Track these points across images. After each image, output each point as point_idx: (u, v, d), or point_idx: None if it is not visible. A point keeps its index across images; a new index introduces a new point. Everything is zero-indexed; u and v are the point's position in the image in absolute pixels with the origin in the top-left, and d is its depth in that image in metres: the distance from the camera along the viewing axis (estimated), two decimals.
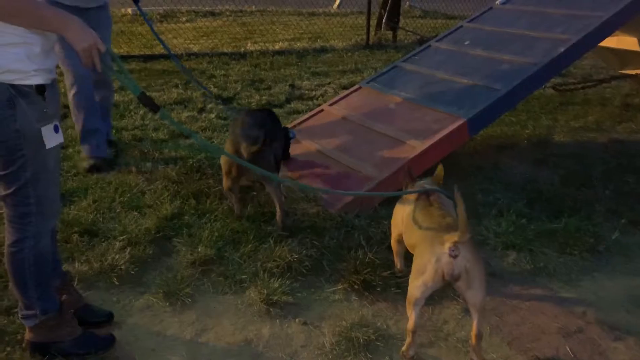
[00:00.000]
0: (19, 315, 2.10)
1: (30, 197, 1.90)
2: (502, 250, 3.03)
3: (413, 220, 2.41)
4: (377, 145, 3.65)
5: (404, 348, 2.28)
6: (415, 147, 3.49)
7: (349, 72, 6.88)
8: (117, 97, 5.22)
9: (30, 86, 1.82)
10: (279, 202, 3.07)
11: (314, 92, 5.92)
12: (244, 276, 2.70)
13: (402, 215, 2.57)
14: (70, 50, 3.34)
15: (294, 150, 3.80)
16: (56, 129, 1.91)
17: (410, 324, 2.22)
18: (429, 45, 4.77)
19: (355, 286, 2.66)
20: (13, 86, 1.78)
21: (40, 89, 1.83)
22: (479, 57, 4.24)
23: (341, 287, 2.68)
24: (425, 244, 2.22)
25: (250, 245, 2.91)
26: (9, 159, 1.84)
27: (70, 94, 3.72)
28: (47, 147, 1.87)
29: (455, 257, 2.09)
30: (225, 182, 3.13)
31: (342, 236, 3.01)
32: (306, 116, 4.29)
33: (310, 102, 5.57)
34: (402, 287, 2.64)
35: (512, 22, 4.60)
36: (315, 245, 2.95)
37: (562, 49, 3.80)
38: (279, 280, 2.66)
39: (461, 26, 4.92)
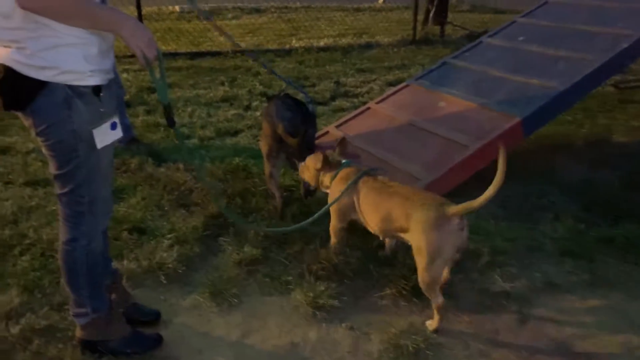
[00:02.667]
0: (71, 313, 2.12)
1: (84, 197, 1.91)
2: (559, 257, 2.89)
3: (388, 204, 2.44)
4: (426, 145, 3.55)
5: (435, 324, 2.37)
6: (468, 147, 3.37)
7: (395, 69, 6.77)
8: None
9: (87, 87, 1.82)
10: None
11: (359, 89, 5.84)
12: (289, 277, 2.67)
13: (355, 200, 2.60)
14: None
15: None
16: (113, 126, 1.92)
17: (441, 300, 2.33)
18: (481, 41, 4.62)
19: (404, 292, 2.58)
20: (70, 87, 1.78)
21: (97, 89, 1.84)
22: (534, 53, 4.07)
23: (389, 292, 2.61)
24: (427, 223, 2.24)
25: (296, 246, 2.88)
26: (64, 159, 1.86)
27: None
28: (99, 146, 1.87)
29: (462, 229, 2.23)
30: (267, 168, 3.14)
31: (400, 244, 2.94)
32: (352, 114, 4.22)
33: (355, 100, 5.50)
34: (452, 295, 2.56)
35: (568, 17, 4.40)
36: (362, 248, 2.88)
37: (624, 45, 3.60)
38: (325, 283, 2.61)
39: (514, 21, 4.74)
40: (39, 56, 1.71)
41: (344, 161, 2.79)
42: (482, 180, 2.63)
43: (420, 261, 2.31)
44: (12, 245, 2.83)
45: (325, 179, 2.80)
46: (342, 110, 5.15)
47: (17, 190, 3.43)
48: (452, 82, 4.12)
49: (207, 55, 7.12)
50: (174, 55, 7.03)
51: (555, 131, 4.53)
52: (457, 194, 3.11)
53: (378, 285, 2.68)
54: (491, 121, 3.52)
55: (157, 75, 1.96)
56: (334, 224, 2.75)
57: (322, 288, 2.57)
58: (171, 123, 2.06)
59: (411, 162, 3.42)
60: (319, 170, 2.81)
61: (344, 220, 2.73)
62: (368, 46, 8.02)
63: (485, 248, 2.92)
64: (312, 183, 2.91)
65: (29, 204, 3.24)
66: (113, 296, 2.24)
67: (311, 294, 2.53)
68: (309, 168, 2.87)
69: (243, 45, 7.78)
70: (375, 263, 2.80)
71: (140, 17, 7.01)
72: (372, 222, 2.57)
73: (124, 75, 5.89)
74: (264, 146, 3.13)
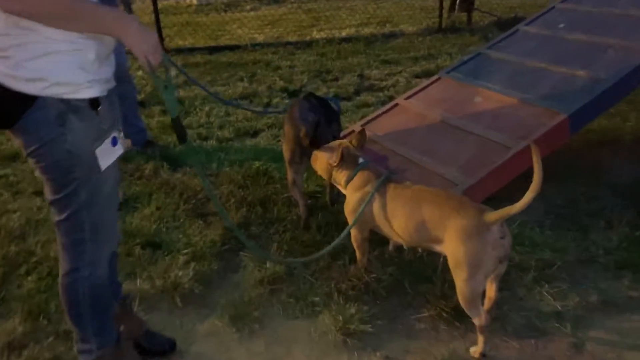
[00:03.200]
0: (75, 348, 1.91)
1: (85, 223, 1.68)
2: (615, 270, 2.59)
3: (419, 212, 2.21)
4: (462, 146, 3.26)
5: (480, 349, 2.14)
6: (510, 147, 3.07)
7: (422, 59, 6.44)
8: (182, 93, 5.09)
9: (83, 100, 1.59)
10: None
11: (384, 83, 5.54)
12: (316, 298, 2.43)
13: (375, 208, 2.36)
14: None
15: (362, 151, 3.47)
16: (114, 142, 1.68)
17: (483, 319, 2.10)
18: (517, 30, 4.27)
19: (444, 314, 2.32)
20: (63, 100, 1.55)
21: (94, 102, 1.60)
22: (578, 42, 3.73)
23: (427, 314, 2.35)
24: (464, 233, 2.03)
25: (322, 262, 2.63)
26: (61, 182, 1.63)
27: None
28: (103, 167, 1.64)
29: (503, 237, 2.01)
30: (289, 174, 2.91)
31: (425, 251, 2.67)
32: (379, 112, 3.93)
33: (380, 94, 5.20)
34: (498, 316, 2.29)
35: (614, 1, 4.03)
36: (395, 262, 2.63)
37: None
38: (356, 304, 2.36)
39: (553, 7, 4.38)
40: (25, 66, 1.48)
41: (361, 160, 2.50)
42: (520, 180, 2.37)
43: (459, 275, 2.07)
44: (18, 263, 2.64)
45: (340, 177, 2.52)
46: (367, 105, 4.87)
47: (26, 201, 3.25)
48: (488, 75, 3.80)
49: (226, 49, 6.88)
50: (192, 50, 6.81)
51: (598, 125, 4.17)
52: (495, 197, 2.84)
53: (415, 305, 2.42)
54: (534, 118, 3.21)
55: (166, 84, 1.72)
56: (354, 235, 2.50)
57: (353, 311, 2.32)
58: (182, 138, 1.82)
59: (446, 164, 3.14)
60: (333, 167, 2.54)
61: (365, 229, 2.47)
62: (392, 35, 7.69)
63: (531, 261, 2.63)
64: (325, 176, 2.64)
65: (38, 216, 3.05)
66: (122, 327, 2.02)
67: (341, 318, 2.28)
68: (321, 160, 2.59)
69: (260, 39, 7.52)
70: (411, 278, 2.54)
71: (156, 11, 6.80)
72: (401, 233, 2.32)
73: (139, 72, 5.68)
74: (286, 151, 2.89)
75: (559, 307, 2.38)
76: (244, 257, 2.70)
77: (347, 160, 2.50)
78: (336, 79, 5.70)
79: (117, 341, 1.93)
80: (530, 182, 1.94)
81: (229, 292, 2.50)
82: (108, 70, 1.67)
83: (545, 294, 2.46)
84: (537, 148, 1.96)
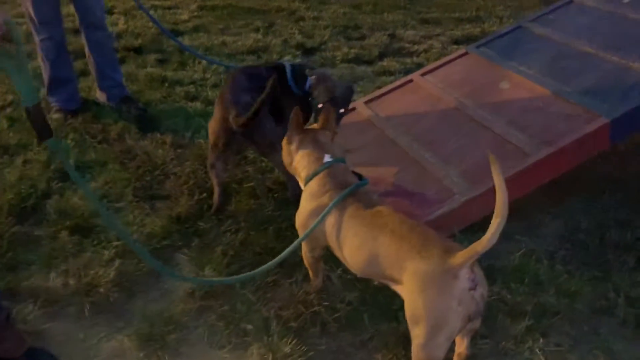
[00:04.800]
0: None
1: None
2: (636, 329, 2.03)
3: (375, 244, 1.73)
4: (472, 143, 2.68)
5: None
6: (529, 153, 2.48)
7: (466, 21, 5.66)
8: (184, 41, 4.60)
9: None
10: (285, 176, 2.45)
11: (416, 47, 4.87)
12: (249, 326, 1.99)
13: (328, 225, 1.87)
14: None
15: (358, 135, 2.94)
16: None
17: None
18: (572, 1, 3.53)
19: None
20: None
21: None
22: None
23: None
24: (425, 281, 1.58)
25: (273, 276, 2.18)
26: None
27: (37, 39, 3.19)
28: None
29: (474, 288, 1.55)
30: (209, 157, 2.48)
31: None
32: (389, 87, 3.35)
33: (408, 60, 4.56)
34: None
35: None
36: (359, 287, 2.15)
37: None
38: (294, 341, 1.91)
39: None
40: None
41: (327, 158, 1.98)
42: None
43: (415, 334, 1.63)
44: None
45: (299, 169, 2.03)
46: (389, 73, 4.25)
47: None
48: (523, 55, 3.14)
49: None
50: None
51: None
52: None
53: (370, 347, 1.96)
54: (567, 119, 2.59)
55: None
56: (304, 252, 2.05)
57: (288, 350, 1.88)
58: (42, 135, 1.36)
59: (448, 165, 2.58)
60: (287, 144, 2.05)
61: (317, 247, 2.00)
62: None
63: (528, 305, 2.10)
64: (284, 162, 2.13)
65: None
66: None
67: (269, 358, 1.85)
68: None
69: None
70: (374, 312, 2.07)
71: None
72: (351, 262, 1.85)
73: (150, 12, 5.21)
74: (210, 133, 2.45)
75: None
76: (182, 259, 2.29)
77: (309, 150, 1.99)
78: (363, 38, 5.06)
79: None
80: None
81: (151, 302, 2.10)
82: None
83: (538, 351, 1.94)
84: (495, 159, 1.51)
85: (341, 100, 2.49)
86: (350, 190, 1.87)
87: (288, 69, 2.58)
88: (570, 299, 2.16)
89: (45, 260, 2.23)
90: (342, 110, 2.47)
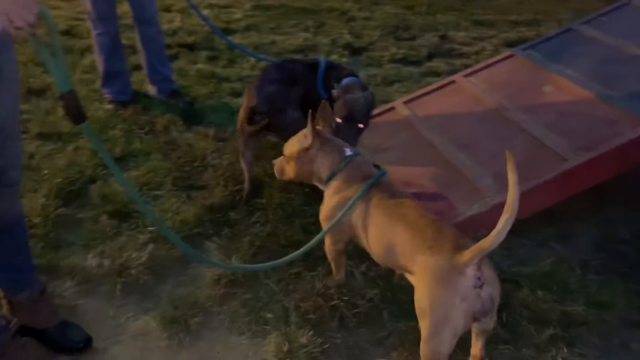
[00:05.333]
0: None
1: None
2: None
3: (394, 234, 1.75)
4: (509, 145, 2.58)
5: None
6: (566, 158, 2.41)
7: (522, 24, 5.52)
8: (235, 39, 4.72)
9: None
10: None
11: (466, 48, 4.80)
12: (269, 315, 2.04)
13: (354, 215, 1.89)
14: None
15: (393, 134, 2.93)
16: None
17: None
18: (629, 2, 3.38)
19: None
20: None
21: None
22: None
23: (396, 357, 1.89)
24: (431, 276, 1.59)
25: (295, 268, 2.22)
26: None
27: (94, 33, 3.36)
28: None
29: (481, 286, 1.52)
30: (238, 143, 2.56)
31: None
32: (429, 88, 3.33)
33: (457, 61, 4.50)
34: None
35: None
36: (380, 285, 2.15)
37: None
38: (311, 332, 1.94)
39: None
40: None
41: (348, 152, 1.99)
42: None
43: (422, 327, 1.63)
44: None
45: (320, 169, 2.00)
46: (436, 74, 4.22)
47: None
48: (571, 59, 3.04)
49: None
50: None
51: None
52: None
53: (387, 345, 1.97)
54: (611, 124, 2.50)
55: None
56: (327, 245, 2.06)
57: (304, 340, 1.91)
58: (76, 118, 1.45)
59: (482, 167, 2.54)
60: (307, 151, 1.99)
61: (341, 240, 2.02)
62: None
63: (554, 313, 2.04)
64: (294, 173, 2.06)
65: None
66: (17, 320, 1.77)
67: (286, 347, 1.89)
68: (290, 148, 2.05)
69: None
70: (394, 310, 2.07)
71: None
72: (374, 250, 1.88)
73: (205, 11, 5.38)
74: (239, 119, 2.50)
75: None
76: (212, 246, 2.37)
77: (329, 148, 2.00)
78: (413, 38, 5.04)
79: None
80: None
81: (177, 287, 2.18)
82: None
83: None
84: (512, 156, 1.49)
85: (359, 115, 2.43)
86: (374, 181, 1.89)
87: (320, 71, 2.61)
88: (601, 309, 2.08)
89: (85, 241, 2.36)
90: (361, 126, 2.43)
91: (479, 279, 1.51)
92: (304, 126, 1.98)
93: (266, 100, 2.36)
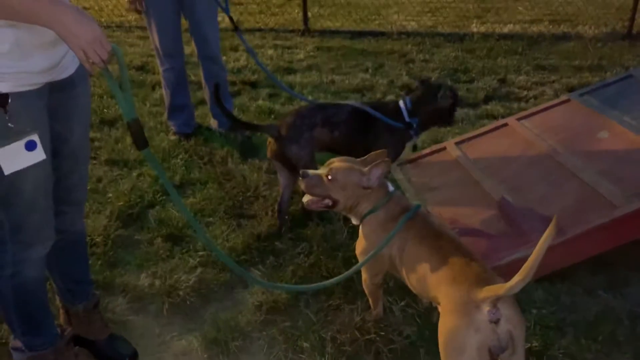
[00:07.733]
0: (10, 346, 1.85)
1: (3, 222, 1.57)
2: None
3: (426, 264, 1.79)
4: (559, 191, 2.59)
5: None
6: (617, 206, 2.35)
7: (586, 70, 5.42)
8: (296, 79, 4.91)
9: None
10: None
11: (525, 92, 4.76)
12: (306, 344, 2.09)
13: (394, 248, 1.92)
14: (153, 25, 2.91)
15: (443, 174, 2.95)
16: (30, 146, 1.51)
17: None
18: None
19: None
20: None
21: (2, 99, 1.44)
22: None
23: None
24: (451, 305, 1.63)
25: (335, 299, 2.27)
26: None
27: (161, 69, 3.63)
28: (7, 171, 1.49)
29: (496, 321, 1.54)
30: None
31: None
32: (482, 130, 3.34)
33: (515, 105, 4.47)
34: None
35: None
36: (419, 322, 2.16)
37: None
38: None
39: None
40: None
41: (391, 188, 2.03)
42: None
43: (442, 356, 1.66)
44: None
45: (364, 205, 2.00)
46: (492, 117, 4.21)
47: None
48: (630, 105, 2.97)
49: (369, 35, 6.54)
50: (334, 33, 6.59)
51: None
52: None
53: None
54: None
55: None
56: (365, 279, 2.10)
57: None
58: (139, 145, 1.58)
59: (529, 212, 2.51)
60: (365, 189, 1.97)
61: (378, 274, 2.06)
62: (564, 37, 6.62)
63: None
64: (326, 197, 1.99)
65: None
66: (72, 329, 1.91)
67: None
68: (345, 179, 1.96)
69: (410, 27, 7.01)
70: (432, 348, 2.04)
71: None
72: (410, 279, 1.91)
73: (270, 51, 5.64)
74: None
75: None
76: (256, 274, 2.45)
77: (379, 187, 2.05)
78: (471, 81, 5.05)
79: (55, 346, 1.81)
80: None
81: (222, 310, 2.28)
82: (38, 62, 1.49)
83: None
84: (555, 225, 1.51)
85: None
86: (412, 213, 1.93)
87: (370, 110, 2.71)
88: None
89: (139, 261, 2.51)
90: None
91: (493, 314, 1.53)
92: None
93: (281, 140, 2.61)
